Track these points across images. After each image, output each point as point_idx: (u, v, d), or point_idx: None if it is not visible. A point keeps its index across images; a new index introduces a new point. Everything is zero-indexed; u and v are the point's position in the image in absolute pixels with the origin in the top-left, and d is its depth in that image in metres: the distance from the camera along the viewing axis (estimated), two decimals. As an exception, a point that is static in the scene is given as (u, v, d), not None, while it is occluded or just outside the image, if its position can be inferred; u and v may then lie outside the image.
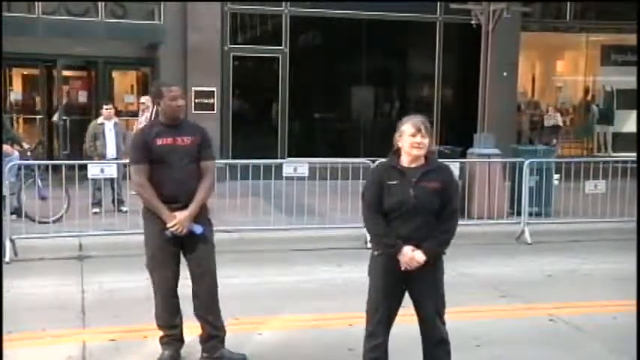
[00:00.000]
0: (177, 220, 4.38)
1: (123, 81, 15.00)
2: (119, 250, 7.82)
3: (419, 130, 3.84)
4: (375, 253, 4.00)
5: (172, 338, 4.64)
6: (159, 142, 4.45)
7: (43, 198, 8.89)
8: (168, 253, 4.50)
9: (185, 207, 4.42)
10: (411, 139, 3.84)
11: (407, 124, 3.88)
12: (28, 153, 9.56)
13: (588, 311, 5.98)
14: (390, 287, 3.94)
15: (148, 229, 4.55)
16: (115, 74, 14.50)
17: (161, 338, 4.67)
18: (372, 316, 4.02)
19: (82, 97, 14.11)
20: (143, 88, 14.58)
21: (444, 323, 4.04)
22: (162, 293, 4.57)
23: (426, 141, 3.86)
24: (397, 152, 3.94)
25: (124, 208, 9.46)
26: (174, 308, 4.61)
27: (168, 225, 4.39)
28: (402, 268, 3.85)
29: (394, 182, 3.85)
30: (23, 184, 8.76)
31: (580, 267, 7.65)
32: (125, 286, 6.56)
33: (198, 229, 4.47)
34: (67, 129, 13.48)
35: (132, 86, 15.10)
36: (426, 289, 3.95)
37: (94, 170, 8.42)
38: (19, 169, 8.52)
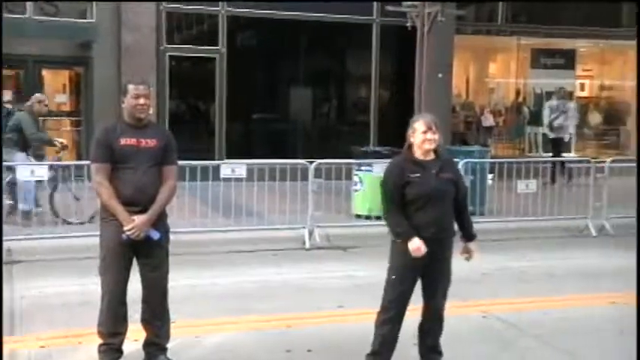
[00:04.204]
0: (135, 224, 4.26)
1: (54, 80, 14.57)
2: (50, 255, 7.60)
3: (430, 128, 4.29)
4: (395, 239, 4.38)
5: (111, 347, 4.48)
6: (122, 141, 4.32)
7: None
8: (121, 257, 4.37)
9: (144, 211, 4.30)
10: (424, 136, 4.29)
11: (419, 122, 4.35)
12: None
13: (520, 307, 6.14)
14: (403, 268, 4.32)
15: (103, 230, 4.42)
16: (45, 73, 14.07)
17: (99, 346, 4.52)
18: (386, 293, 4.39)
19: (10, 96, 13.60)
20: (76, 88, 14.21)
21: (445, 298, 4.51)
22: (109, 298, 4.42)
23: (437, 137, 4.32)
24: (410, 147, 4.38)
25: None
26: (119, 316, 4.46)
27: (126, 228, 4.25)
28: (413, 255, 4.22)
29: (417, 175, 4.28)
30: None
31: (512, 264, 7.85)
32: (57, 291, 6.38)
33: (155, 234, 4.35)
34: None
35: (64, 85, 14.70)
36: (440, 268, 4.41)
37: (24, 172, 8.15)
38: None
